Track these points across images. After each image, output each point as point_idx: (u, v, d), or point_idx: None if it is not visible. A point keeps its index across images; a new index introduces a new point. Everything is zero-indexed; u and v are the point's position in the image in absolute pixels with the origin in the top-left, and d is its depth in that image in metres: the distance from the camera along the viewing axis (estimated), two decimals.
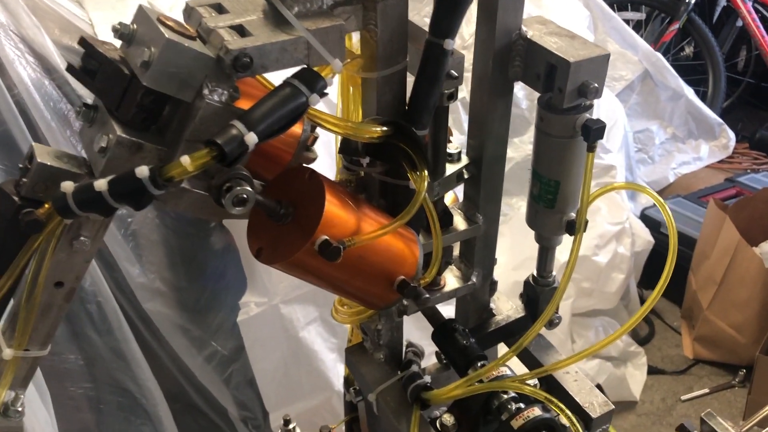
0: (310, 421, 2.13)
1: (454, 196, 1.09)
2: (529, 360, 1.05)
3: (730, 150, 3.43)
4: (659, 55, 3.15)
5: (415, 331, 1.21)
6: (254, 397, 2.25)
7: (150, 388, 2.12)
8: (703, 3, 3.76)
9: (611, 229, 2.52)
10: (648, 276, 2.73)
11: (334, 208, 0.72)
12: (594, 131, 0.81)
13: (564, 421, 0.90)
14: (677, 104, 3.28)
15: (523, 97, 2.43)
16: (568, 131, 0.85)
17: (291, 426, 1.28)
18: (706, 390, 2.54)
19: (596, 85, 0.80)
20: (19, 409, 0.79)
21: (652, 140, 3.26)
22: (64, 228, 0.70)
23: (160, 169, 0.62)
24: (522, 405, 0.92)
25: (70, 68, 0.69)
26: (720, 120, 3.41)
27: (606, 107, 2.70)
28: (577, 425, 0.83)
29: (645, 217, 2.85)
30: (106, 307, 2.10)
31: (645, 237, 2.68)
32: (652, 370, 2.59)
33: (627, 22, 3.24)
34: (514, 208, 2.46)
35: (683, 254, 2.83)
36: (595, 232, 2.46)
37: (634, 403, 2.49)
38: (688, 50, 3.86)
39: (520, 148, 2.45)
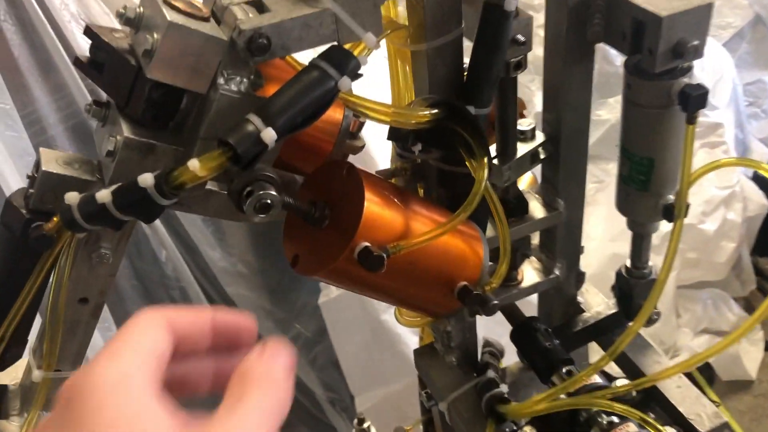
0: (396, 405, 2.06)
1: (532, 177, 0.97)
2: (624, 361, 0.92)
3: None
4: None
5: (497, 327, 1.10)
6: (340, 379, 2.21)
7: None
8: None
9: (719, 194, 2.31)
10: (764, 242, 2.49)
11: (376, 207, 0.61)
12: (694, 99, 0.67)
13: None
14: None
15: (618, 53, 2.23)
16: (662, 100, 0.70)
17: (366, 425, 1.20)
18: None
19: (696, 42, 0.65)
20: None
21: (765, 92, 2.95)
22: (78, 242, 0.63)
23: (167, 175, 0.53)
24: (615, 419, 0.80)
25: (76, 62, 0.61)
26: None
27: (711, 59, 2.45)
28: None
29: (759, 179, 2.59)
30: (190, 292, 2.10)
31: (759, 201, 2.44)
32: None
33: None
34: (611, 174, 2.28)
35: None
36: (701, 198, 2.25)
37: (750, 382, 2.28)
38: None
39: (615, 108, 2.26)
